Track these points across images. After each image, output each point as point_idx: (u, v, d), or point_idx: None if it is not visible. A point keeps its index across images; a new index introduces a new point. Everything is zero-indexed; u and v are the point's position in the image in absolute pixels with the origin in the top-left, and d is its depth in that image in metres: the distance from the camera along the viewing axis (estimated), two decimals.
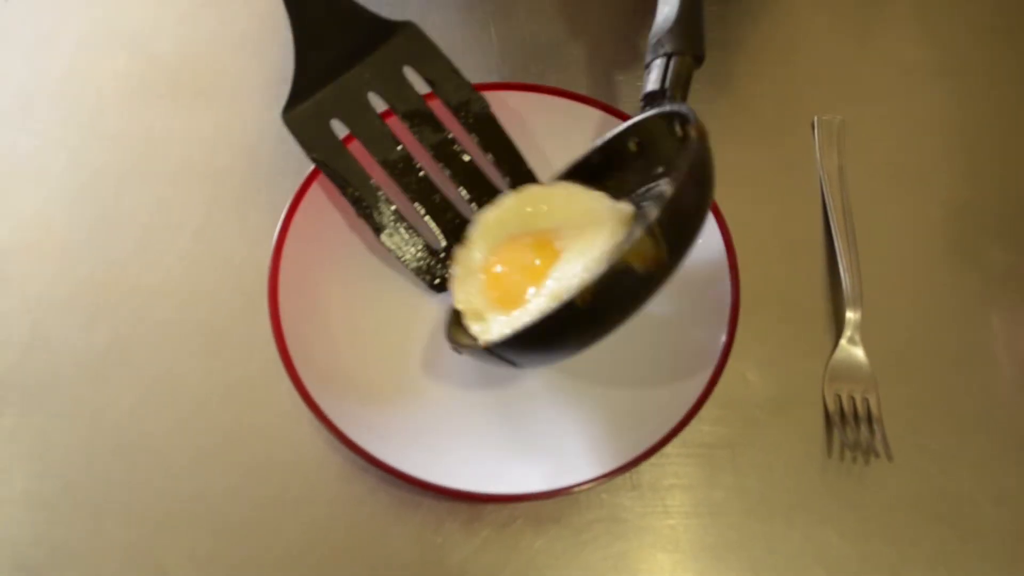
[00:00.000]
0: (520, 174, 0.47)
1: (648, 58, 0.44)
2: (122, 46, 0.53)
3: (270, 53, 0.53)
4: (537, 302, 0.40)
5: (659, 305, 0.46)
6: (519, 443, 0.43)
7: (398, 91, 0.45)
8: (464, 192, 0.46)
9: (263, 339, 0.42)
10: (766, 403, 0.46)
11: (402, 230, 0.45)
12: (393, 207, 0.45)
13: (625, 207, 0.43)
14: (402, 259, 0.45)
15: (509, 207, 0.45)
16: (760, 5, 0.58)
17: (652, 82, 0.43)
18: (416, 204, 0.46)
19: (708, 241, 0.45)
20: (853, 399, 0.45)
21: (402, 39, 0.45)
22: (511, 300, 0.42)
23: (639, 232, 0.35)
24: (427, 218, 0.46)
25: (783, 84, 0.55)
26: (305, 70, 0.43)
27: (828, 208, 0.50)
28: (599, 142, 0.46)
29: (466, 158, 0.46)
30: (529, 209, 0.45)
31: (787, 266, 0.49)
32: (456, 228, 0.46)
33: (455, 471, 0.40)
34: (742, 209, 0.47)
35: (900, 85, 0.56)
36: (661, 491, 0.43)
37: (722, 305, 0.44)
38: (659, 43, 0.43)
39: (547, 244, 0.42)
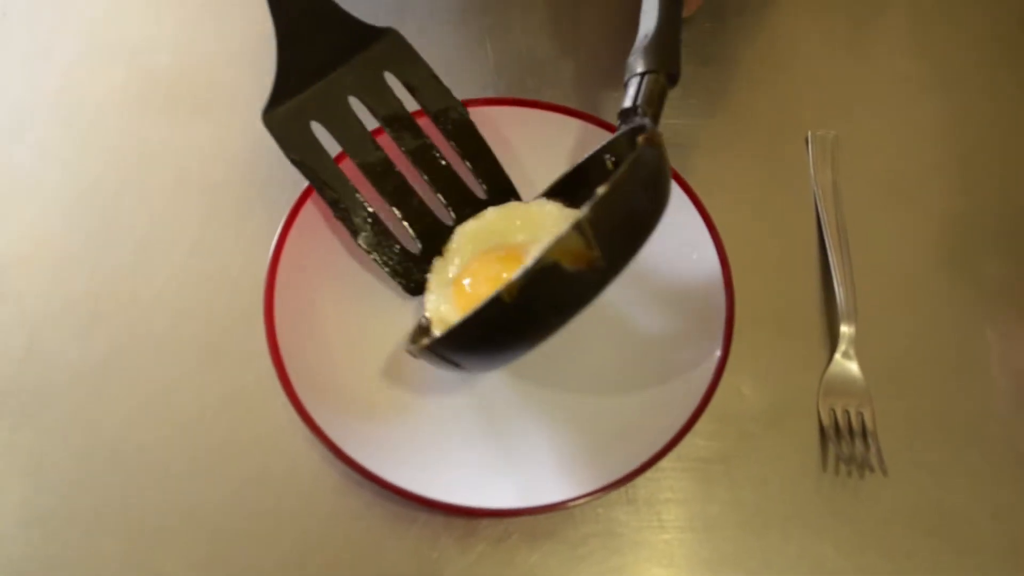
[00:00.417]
0: (497, 181, 0.48)
1: (626, 76, 0.44)
2: (119, 59, 0.53)
3: (267, 67, 0.52)
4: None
5: (654, 319, 0.46)
6: (514, 458, 0.43)
7: (379, 95, 0.46)
8: (441, 198, 0.47)
9: (259, 352, 0.42)
10: (761, 417, 0.46)
11: (379, 233, 0.45)
12: (371, 210, 0.45)
13: None
14: (378, 261, 0.45)
15: (488, 220, 0.46)
16: (754, 21, 0.58)
17: (627, 100, 0.43)
18: (394, 208, 0.46)
19: (703, 255, 0.46)
20: (848, 413, 0.45)
21: (384, 45, 0.46)
22: None
23: (568, 229, 0.35)
24: (404, 222, 0.46)
25: (776, 100, 0.55)
26: (287, 71, 0.43)
27: (822, 223, 0.50)
28: (580, 160, 0.46)
29: (444, 164, 0.47)
30: (505, 224, 0.45)
31: (782, 280, 0.49)
32: (433, 233, 0.46)
33: (451, 486, 0.40)
34: (737, 224, 0.47)
35: (894, 99, 0.56)
36: (657, 505, 0.43)
37: (717, 319, 0.44)
38: (635, 61, 0.44)
39: (516, 258, 0.42)
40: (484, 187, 0.47)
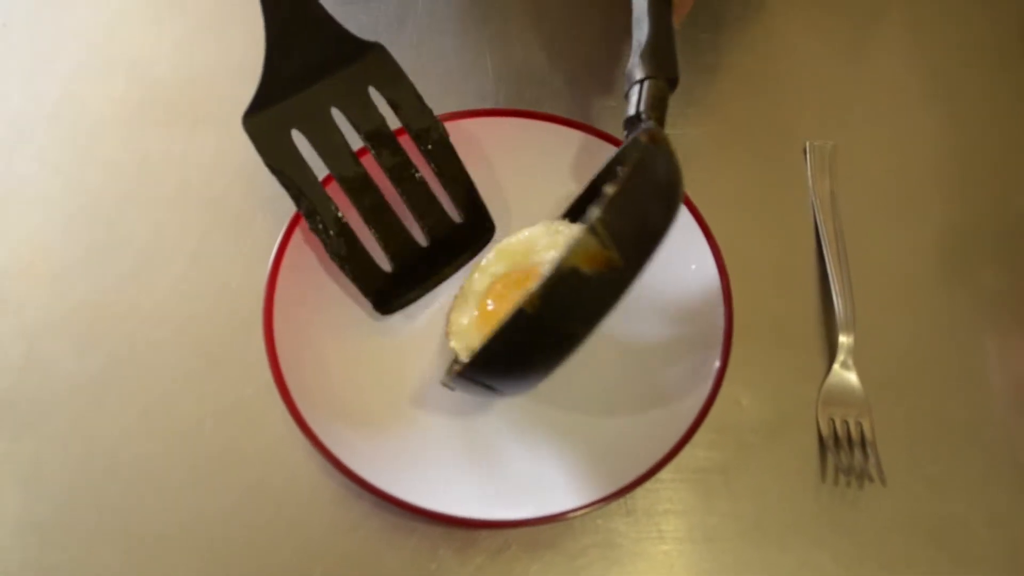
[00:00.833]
0: (470, 205, 0.48)
1: (626, 87, 0.44)
2: (120, 71, 0.54)
3: None
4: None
5: (652, 330, 0.46)
6: (513, 469, 0.43)
7: (362, 109, 0.46)
8: (416, 217, 0.47)
9: (258, 364, 0.42)
10: (760, 428, 0.46)
11: (352, 248, 0.45)
12: (344, 222, 0.45)
13: None
14: (349, 276, 0.45)
15: (514, 242, 0.45)
16: (752, 31, 0.59)
17: (630, 108, 0.43)
18: (368, 225, 0.46)
19: (701, 266, 0.46)
20: (847, 423, 0.45)
21: (371, 60, 0.45)
22: None
23: (582, 232, 0.34)
24: (377, 239, 0.46)
25: (775, 110, 0.55)
26: (273, 77, 0.43)
27: (820, 233, 0.50)
28: (594, 175, 0.46)
29: (421, 184, 0.47)
30: (527, 247, 0.45)
31: (780, 291, 0.49)
32: (405, 252, 0.46)
33: (449, 497, 0.40)
34: (735, 234, 0.47)
35: (892, 109, 0.56)
36: (656, 516, 0.43)
37: (715, 330, 0.44)
38: (633, 70, 0.44)
39: (537, 276, 0.42)
40: (458, 211, 0.47)
